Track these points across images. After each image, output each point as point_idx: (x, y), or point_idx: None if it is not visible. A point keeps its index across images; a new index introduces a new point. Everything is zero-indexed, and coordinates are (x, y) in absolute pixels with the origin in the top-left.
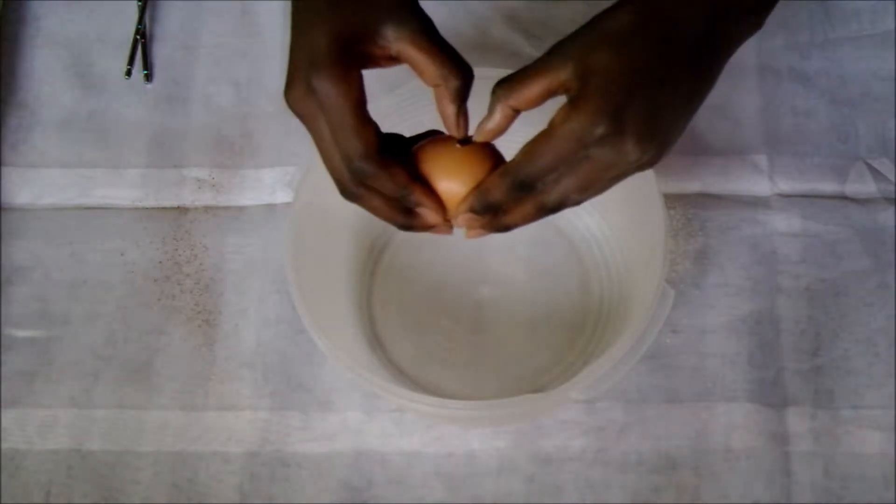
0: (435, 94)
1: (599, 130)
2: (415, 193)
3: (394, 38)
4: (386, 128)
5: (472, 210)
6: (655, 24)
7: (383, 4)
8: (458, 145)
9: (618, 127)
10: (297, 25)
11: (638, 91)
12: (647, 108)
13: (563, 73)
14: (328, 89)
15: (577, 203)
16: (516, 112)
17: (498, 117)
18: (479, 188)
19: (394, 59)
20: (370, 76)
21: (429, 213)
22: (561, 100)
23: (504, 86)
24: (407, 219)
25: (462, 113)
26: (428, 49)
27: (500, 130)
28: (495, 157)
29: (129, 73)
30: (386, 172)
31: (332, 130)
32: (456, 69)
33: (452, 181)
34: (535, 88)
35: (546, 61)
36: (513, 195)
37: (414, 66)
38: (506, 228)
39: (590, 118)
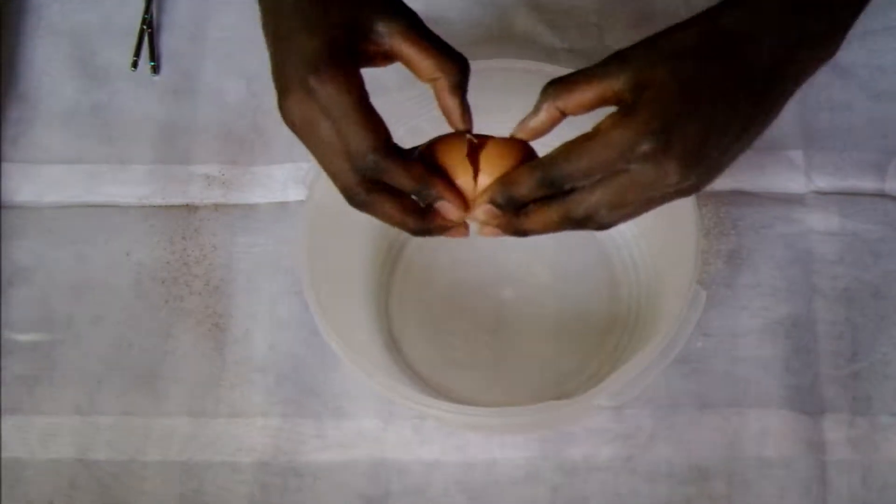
0: (434, 89)
1: (644, 146)
2: (435, 186)
3: (386, 34)
4: (404, 121)
5: (494, 202)
6: (720, 48)
7: (369, 1)
8: (474, 140)
9: (664, 146)
10: (278, 33)
11: (692, 114)
12: (697, 133)
13: (618, 83)
14: (329, 88)
15: (604, 223)
16: (562, 115)
17: (543, 116)
18: (504, 178)
19: (388, 58)
20: (374, 72)
21: (450, 208)
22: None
23: (556, 86)
24: (423, 220)
25: (464, 105)
26: (420, 43)
27: (543, 131)
28: (525, 153)
29: (135, 64)
30: (400, 164)
31: (338, 131)
32: (451, 61)
33: (473, 175)
34: (588, 93)
35: (603, 67)
36: (540, 193)
37: (408, 63)
38: (523, 233)
39: (638, 131)
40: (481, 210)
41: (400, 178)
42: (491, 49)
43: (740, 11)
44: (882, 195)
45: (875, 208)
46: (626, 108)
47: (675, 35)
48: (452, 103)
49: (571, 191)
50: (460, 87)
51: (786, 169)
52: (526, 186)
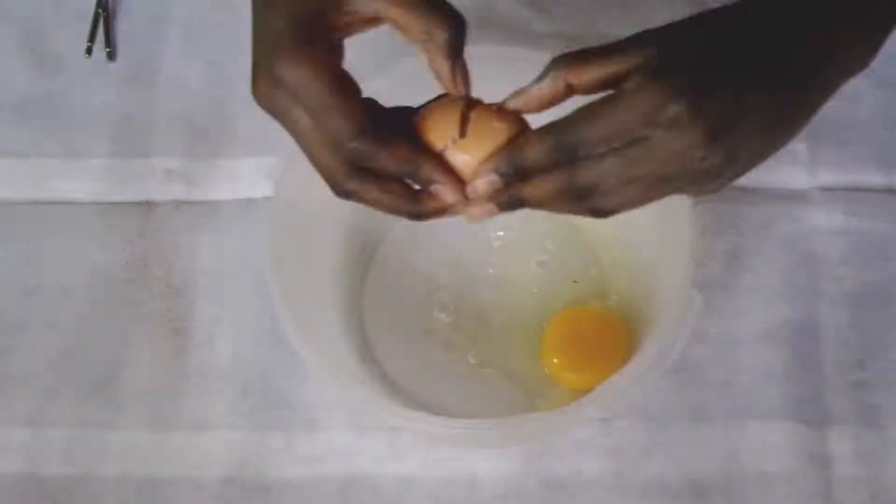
0: (424, 51)
1: (671, 110)
2: (425, 167)
3: None
4: None
5: (499, 171)
6: (756, 34)
7: None
8: (469, 110)
9: (693, 111)
10: (256, 10)
11: (725, 85)
12: (730, 105)
13: (643, 53)
14: (295, 74)
15: (605, 205)
16: (569, 92)
17: (547, 85)
18: (511, 145)
19: (371, 22)
20: (357, 55)
21: (444, 190)
22: None
23: (569, 57)
24: (416, 204)
25: (459, 68)
26: (407, 1)
27: (544, 103)
28: (521, 126)
29: (89, 50)
30: (385, 148)
31: (314, 118)
32: (443, 18)
33: (469, 150)
34: (605, 67)
35: (623, 42)
36: (550, 161)
37: (395, 24)
38: (518, 202)
39: (665, 93)
40: (483, 182)
41: (387, 163)
42: (470, 35)
43: (775, 4)
44: (890, 191)
45: (883, 205)
46: (653, 71)
47: (705, 16)
48: (444, 67)
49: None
50: (452, 47)
51: (788, 163)
52: (537, 152)
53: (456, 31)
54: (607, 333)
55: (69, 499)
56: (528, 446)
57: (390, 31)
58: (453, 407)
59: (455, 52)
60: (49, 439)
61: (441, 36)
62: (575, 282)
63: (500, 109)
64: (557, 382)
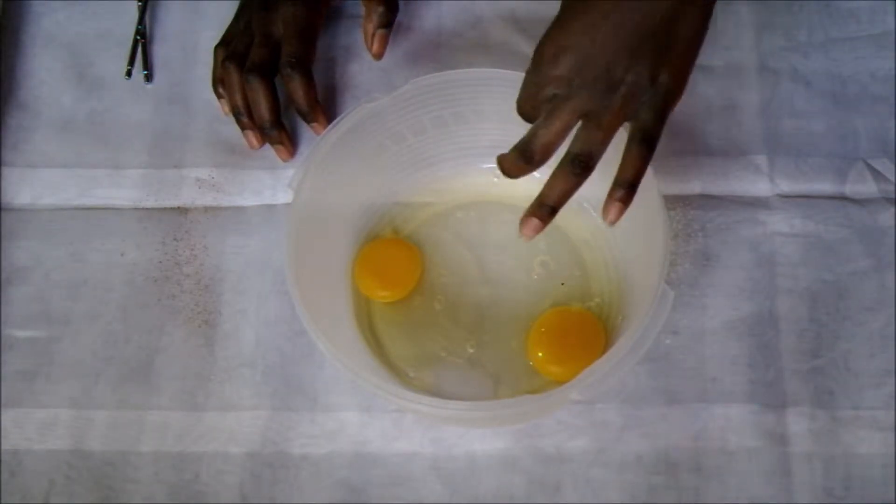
0: (364, 15)
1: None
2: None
3: None
4: (387, 127)
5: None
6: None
7: None
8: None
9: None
10: None
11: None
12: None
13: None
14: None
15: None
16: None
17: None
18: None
19: None
20: (370, 77)
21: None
22: None
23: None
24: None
25: (380, 35)
26: None
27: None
28: None
29: (129, 73)
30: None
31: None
32: None
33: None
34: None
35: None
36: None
37: None
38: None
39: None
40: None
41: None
42: (468, 59)
43: None
44: (843, 198)
45: (836, 211)
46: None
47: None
48: (369, 29)
49: None
50: (383, 17)
51: (751, 173)
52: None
53: (387, 9)
54: (586, 331)
55: (110, 472)
56: (518, 426)
57: (397, 64)
58: (452, 391)
59: (381, 23)
60: (92, 419)
61: (378, 10)
62: (562, 284)
63: None
64: (542, 374)
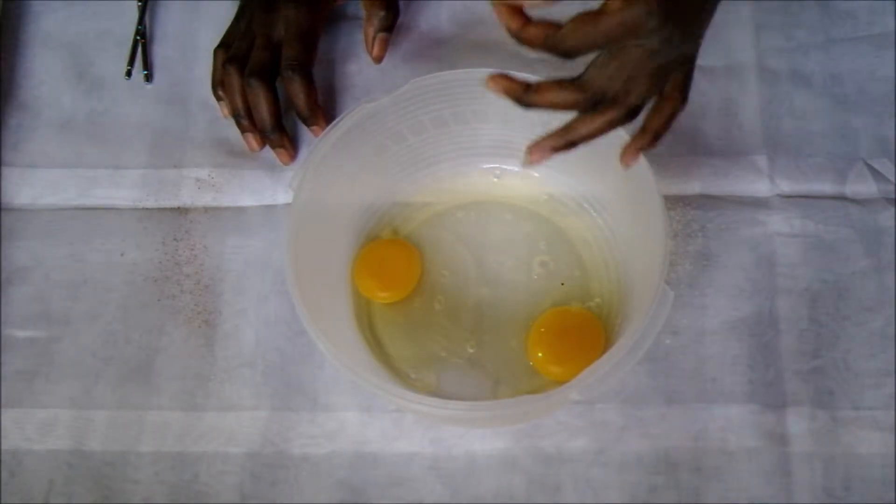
0: (365, 18)
1: (652, 22)
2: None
3: None
4: (387, 127)
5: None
6: None
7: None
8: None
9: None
10: None
11: None
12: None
13: None
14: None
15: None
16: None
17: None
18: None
19: None
20: (370, 77)
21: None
22: None
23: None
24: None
25: (380, 38)
26: None
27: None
28: None
29: (129, 73)
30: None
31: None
32: (384, 3)
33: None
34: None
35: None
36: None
37: None
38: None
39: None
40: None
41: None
42: (470, 59)
43: None
44: (843, 198)
45: (836, 211)
46: None
47: None
48: (370, 33)
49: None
50: (383, 21)
51: (751, 173)
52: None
53: (388, 13)
54: (585, 331)
55: (110, 472)
56: (519, 426)
57: (397, 64)
58: (452, 391)
59: (382, 26)
60: (92, 419)
61: (378, 14)
62: (562, 284)
63: None
64: (542, 374)
